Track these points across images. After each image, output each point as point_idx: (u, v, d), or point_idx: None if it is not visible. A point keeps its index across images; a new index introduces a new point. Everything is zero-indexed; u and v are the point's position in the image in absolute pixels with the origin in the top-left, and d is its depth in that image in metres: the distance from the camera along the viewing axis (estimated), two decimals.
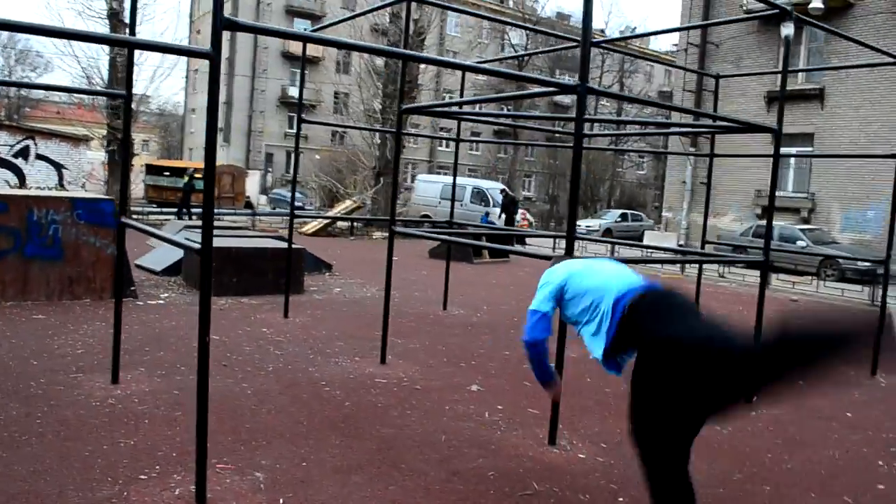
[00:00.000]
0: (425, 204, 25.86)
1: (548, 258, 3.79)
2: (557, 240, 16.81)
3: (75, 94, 26.13)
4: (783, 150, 20.01)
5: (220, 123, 46.63)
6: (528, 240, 19.74)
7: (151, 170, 31.67)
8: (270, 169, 46.26)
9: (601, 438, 4.54)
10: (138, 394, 4.82)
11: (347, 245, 17.73)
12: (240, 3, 43.60)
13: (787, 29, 5.06)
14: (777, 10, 5.30)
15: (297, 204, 32.27)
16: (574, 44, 7.94)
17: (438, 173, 39.21)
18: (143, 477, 3.50)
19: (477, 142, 44.75)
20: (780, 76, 5.82)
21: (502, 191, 25.00)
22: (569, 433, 4.54)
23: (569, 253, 4.19)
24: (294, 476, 3.64)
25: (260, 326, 7.32)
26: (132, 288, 8.42)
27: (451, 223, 9.10)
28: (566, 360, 4.46)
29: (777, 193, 19.47)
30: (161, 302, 8.30)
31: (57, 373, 5.20)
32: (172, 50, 3.77)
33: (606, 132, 33.14)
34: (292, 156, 47.85)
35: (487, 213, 24.23)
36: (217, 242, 9.00)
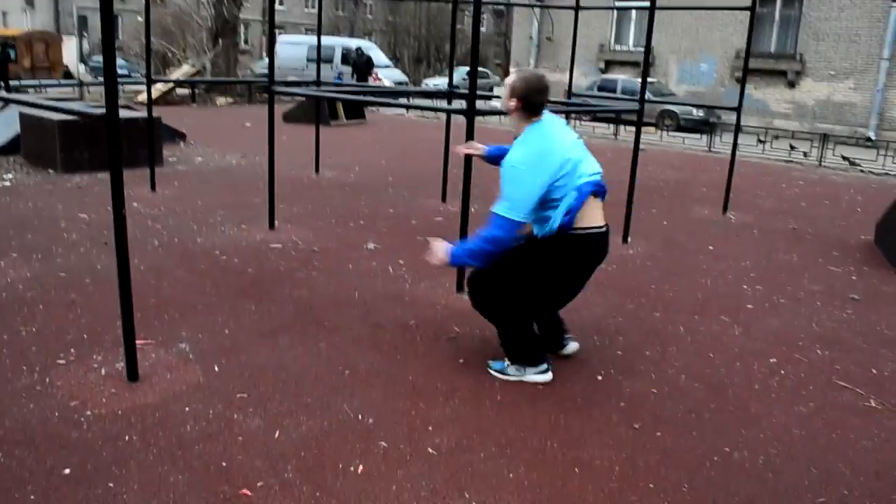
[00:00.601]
0: (291, 68, 24.31)
1: (428, 108, 3.82)
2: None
3: None
4: (624, 3, 20.37)
5: None
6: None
7: None
8: (86, 34, 41.77)
9: None
10: (20, 280, 4.50)
11: (192, 113, 16.70)
12: None
13: None
14: None
15: (122, 72, 29.48)
16: None
17: (280, 32, 36.94)
18: (60, 361, 3.35)
19: None
20: None
21: (357, 49, 23.99)
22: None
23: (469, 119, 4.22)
24: (221, 344, 3.61)
25: (129, 202, 6.74)
26: None
27: (320, 84, 8.77)
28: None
29: (619, 48, 20.15)
30: (6, 184, 7.58)
31: None
32: None
33: None
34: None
35: (341, 74, 23.46)
36: (60, 116, 8.27)
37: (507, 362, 3.35)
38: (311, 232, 5.98)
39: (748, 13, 7.20)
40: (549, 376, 3.30)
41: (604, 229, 3.18)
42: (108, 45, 2.89)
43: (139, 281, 4.52)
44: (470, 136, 4.23)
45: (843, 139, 16.21)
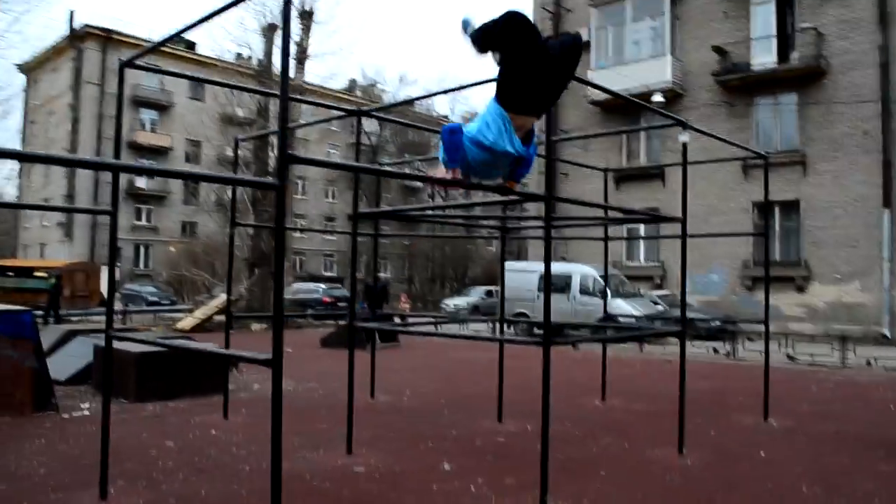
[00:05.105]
0: (519, 298, 20.47)
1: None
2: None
3: None
4: (633, 225, 21.77)
5: (62, 218, 44.28)
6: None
7: None
8: (119, 264, 44.16)
9: (582, 498, 5.15)
10: None
11: (232, 339, 17.47)
12: (82, 95, 42.27)
13: (684, 136, 6.16)
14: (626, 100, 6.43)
15: (153, 298, 30.58)
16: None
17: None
18: None
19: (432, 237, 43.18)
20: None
21: (375, 276, 24.61)
22: (552, 497, 5.10)
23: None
24: None
25: (206, 429, 7.38)
26: (53, 400, 8.17)
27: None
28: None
29: (631, 263, 21.47)
30: (86, 413, 8.10)
31: (36, 495, 5.14)
32: (243, 182, 4.13)
33: (459, 213, 34.52)
34: (142, 248, 46.23)
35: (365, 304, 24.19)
36: (131, 347, 8.95)
37: None
38: (386, 455, 6.39)
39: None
40: None
41: None
42: (278, 295, 3.58)
43: None
44: (547, 366, 4.84)
45: (858, 338, 16.79)
